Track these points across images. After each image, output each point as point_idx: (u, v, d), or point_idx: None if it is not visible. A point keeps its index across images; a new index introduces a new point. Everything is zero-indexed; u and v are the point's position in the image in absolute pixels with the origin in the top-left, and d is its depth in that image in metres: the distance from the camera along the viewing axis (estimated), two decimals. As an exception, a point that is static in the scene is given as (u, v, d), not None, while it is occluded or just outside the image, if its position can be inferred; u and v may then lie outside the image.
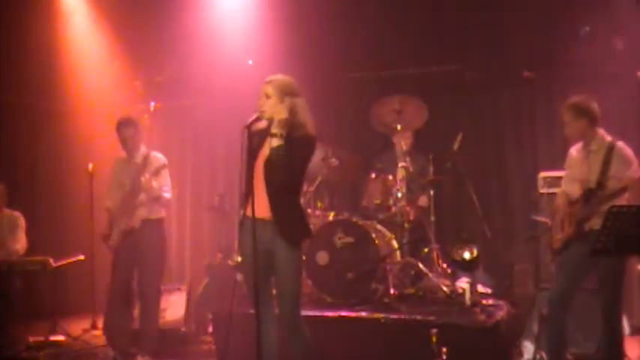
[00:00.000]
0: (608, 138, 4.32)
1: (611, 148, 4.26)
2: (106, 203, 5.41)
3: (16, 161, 7.63)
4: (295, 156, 3.77)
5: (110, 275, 5.28)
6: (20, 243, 6.19)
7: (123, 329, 5.25)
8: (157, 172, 5.15)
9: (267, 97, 3.82)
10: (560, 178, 4.72)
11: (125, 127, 5.27)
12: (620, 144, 4.28)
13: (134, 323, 5.42)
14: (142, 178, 5.09)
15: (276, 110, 3.79)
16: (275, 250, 3.82)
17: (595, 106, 4.32)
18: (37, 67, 7.36)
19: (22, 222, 6.31)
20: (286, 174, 3.76)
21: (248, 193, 3.79)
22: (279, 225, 3.80)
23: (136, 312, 5.47)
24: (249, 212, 3.75)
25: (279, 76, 3.89)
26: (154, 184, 5.14)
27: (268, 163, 3.81)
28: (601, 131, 4.34)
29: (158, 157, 5.32)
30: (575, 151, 4.49)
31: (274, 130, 3.75)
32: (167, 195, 5.30)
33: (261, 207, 3.78)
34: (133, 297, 5.39)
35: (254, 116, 3.81)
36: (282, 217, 3.82)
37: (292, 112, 3.82)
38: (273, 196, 3.80)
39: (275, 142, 3.74)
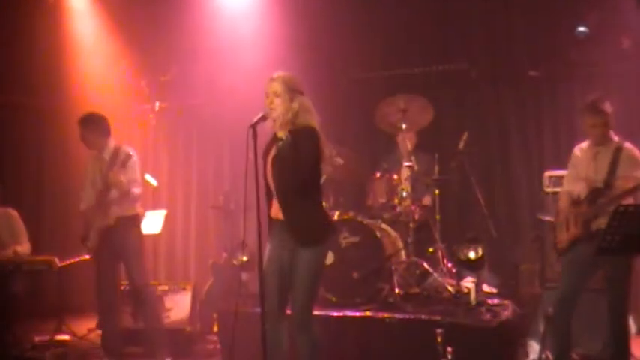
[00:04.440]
0: (616, 138, 4.32)
1: (619, 149, 4.26)
2: (80, 206, 5.29)
3: (22, 161, 7.66)
4: (301, 151, 3.74)
5: (95, 278, 5.21)
6: (24, 246, 6.15)
7: (113, 329, 5.20)
8: (123, 165, 5.04)
9: (276, 95, 3.79)
10: (565, 177, 4.71)
11: (79, 126, 5.19)
12: (628, 145, 4.28)
13: (126, 322, 5.46)
14: (110, 173, 5.01)
15: (284, 109, 3.79)
16: (296, 250, 3.81)
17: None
18: (42, 67, 7.39)
19: (19, 221, 6.19)
20: (294, 173, 3.73)
21: (269, 195, 3.84)
22: (289, 225, 3.78)
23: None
24: (272, 214, 3.82)
25: (285, 73, 3.87)
26: (123, 178, 5.03)
27: (275, 162, 3.81)
28: (610, 132, 4.34)
29: (126, 150, 5.18)
30: (580, 150, 4.48)
31: (280, 134, 3.74)
32: (136, 190, 5.15)
33: (275, 209, 3.84)
34: (119, 297, 5.36)
35: (259, 115, 3.80)
36: (293, 217, 3.79)
37: (301, 109, 3.83)
38: (282, 196, 3.80)
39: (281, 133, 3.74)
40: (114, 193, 5.08)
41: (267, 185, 3.88)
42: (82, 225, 5.26)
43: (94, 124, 5.20)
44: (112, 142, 5.24)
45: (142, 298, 5.20)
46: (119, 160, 5.09)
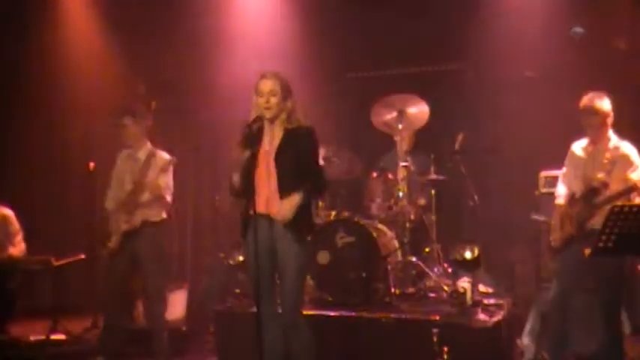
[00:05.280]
0: (615, 137, 4.31)
1: (617, 148, 4.25)
2: (106, 204, 5.18)
3: (17, 160, 7.64)
4: (309, 152, 3.83)
5: (106, 278, 5.17)
6: (18, 248, 6.13)
7: (115, 331, 5.16)
8: (163, 170, 4.95)
9: (272, 93, 3.79)
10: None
11: (122, 115, 5.06)
12: (627, 145, 4.27)
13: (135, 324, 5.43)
14: (148, 177, 4.93)
15: (279, 108, 3.78)
16: (279, 247, 3.82)
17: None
18: (36, 64, 7.37)
19: (14, 221, 6.17)
20: (304, 171, 3.80)
21: (249, 191, 3.79)
22: (292, 222, 3.77)
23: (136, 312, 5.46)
24: (251, 210, 3.74)
25: (279, 72, 3.88)
26: (161, 182, 4.97)
27: (279, 162, 3.81)
28: (609, 130, 4.33)
29: (164, 155, 5.10)
30: (578, 148, 4.47)
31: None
32: (169, 197, 5.10)
33: (265, 204, 3.80)
34: (129, 299, 5.35)
35: (255, 114, 3.81)
36: (296, 214, 3.79)
37: (293, 108, 3.85)
38: (285, 191, 3.79)
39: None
40: (145, 196, 4.97)
41: (247, 181, 3.79)
42: (104, 225, 5.16)
43: (141, 116, 5.09)
44: (149, 144, 5.14)
45: (154, 303, 5.14)
46: (157, 164, 4.99)
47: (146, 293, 5.20)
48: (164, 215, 5.15)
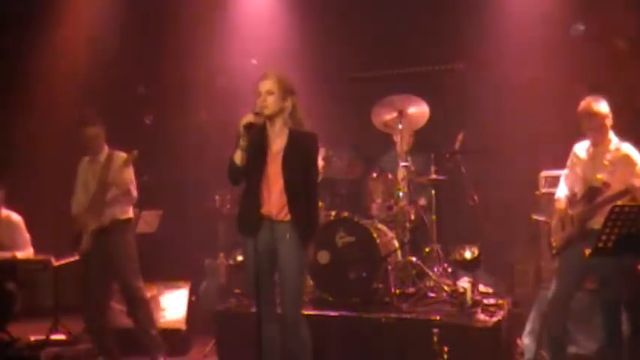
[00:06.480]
0: (616, 138, 4.32)
1: (618, 149, 4.26)
2: (72, 209, 5.19)
3: (18, 160, 7.64)
4: (312, 157, 3.88)
5: (85, 283, 5.16)
6: (26, 255, 6.12)
7: (103, 331, 5.17)
8: (124, 165, 4.99)
9: (269, 93, 3.80)
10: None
11: (90, 126, 5.11)
12: (627, 146, 4.27)
13: (122, 322, 5.44)
14: (111, 174, 4.99)
15: (278, 108, 3.80)
16: (280, 248, 3.82)
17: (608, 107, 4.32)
18: (38, 67, 7.37)
19: (23, 229, 6.17)
20: (308, 173, 3.87)
21: (254, 193, 3.80)
22: (296, 224, 3.80)
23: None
24: (264, 211, 3.80)
25: (278, 71, 3.89)
26: (126, 177, 5.01)
27: (286, 164, 3.82)
28: (609, 132, 4.34)
29: (122, 153, 5.14)
30: (580, 149, 4.47)
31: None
32: (134, 192, 5.13)
33: (269, 207, 3.82)
34: (113, 296, 5.36)
35: (252, 112, 3.81)
36: (301, 215, 3.82)
37: (294, 108, 3.85)
38: (292, 195, 3.82)
39: None
40: (111, 194, 5.02)
41: (255, 181, 3.82)
42: (73, 228, 5.16)
43: (99, 125, 5.16)
44: (106, 147, 5.22)
45: (134, 302, 5.15)
46: (116, 161, 5.06)
47: (125, 294, 5.19)
48: (131, 213, 5.21)
